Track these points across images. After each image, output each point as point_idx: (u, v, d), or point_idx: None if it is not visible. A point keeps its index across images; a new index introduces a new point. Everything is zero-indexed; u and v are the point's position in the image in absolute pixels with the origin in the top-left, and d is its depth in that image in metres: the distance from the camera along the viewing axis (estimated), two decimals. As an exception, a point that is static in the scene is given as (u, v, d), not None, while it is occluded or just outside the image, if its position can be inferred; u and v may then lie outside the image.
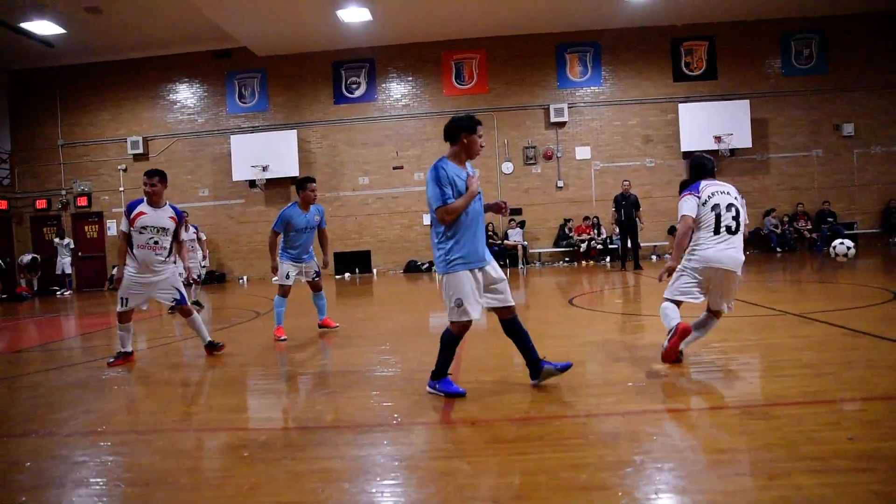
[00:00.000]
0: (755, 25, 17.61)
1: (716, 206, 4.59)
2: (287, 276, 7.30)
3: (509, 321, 4.25)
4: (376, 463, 3.05)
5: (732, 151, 17.38)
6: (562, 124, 17.78)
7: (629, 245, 14.09)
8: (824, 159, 17.84)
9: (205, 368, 5.76)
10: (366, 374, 5.05)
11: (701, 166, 4.91)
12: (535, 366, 4.21)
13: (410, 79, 18.05)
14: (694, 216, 4.63)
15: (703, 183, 4.77)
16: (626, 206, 13.80)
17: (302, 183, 7.23)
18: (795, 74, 17.81)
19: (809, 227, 17.42)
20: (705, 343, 5.35)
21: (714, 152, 17.27)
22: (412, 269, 17.63)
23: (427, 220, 17.83)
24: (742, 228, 4.63)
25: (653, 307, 8.59)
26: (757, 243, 17.55)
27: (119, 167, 18.49)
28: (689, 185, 4.90)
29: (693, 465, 2.76)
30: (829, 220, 17.29)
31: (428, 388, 4.24)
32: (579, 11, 16.22)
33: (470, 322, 4.06)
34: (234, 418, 4.06)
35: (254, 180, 17.67)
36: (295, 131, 17.71)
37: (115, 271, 8.55)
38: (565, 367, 4.26)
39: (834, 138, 17.76)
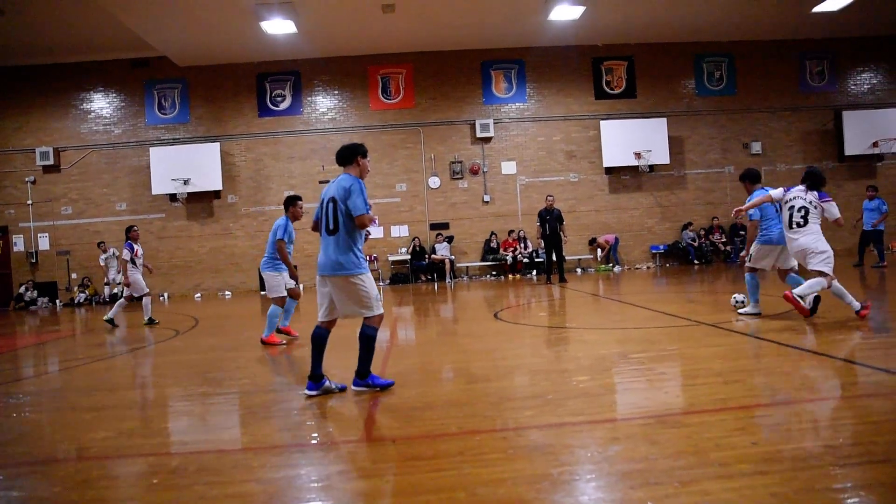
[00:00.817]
0: (670, 47, 18.41)
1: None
2: (284, 287, 7.61)
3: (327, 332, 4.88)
4: (292, 485, 2.96)
5: (651, 167, 18.04)
6: (488, 139, 18.03)
7: (554, 258, 14.35)
8: (736, 175, 18.60)
9: (114, 390, 5.48)
10: (286, 394, 4.92)
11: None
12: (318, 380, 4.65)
13: (336, 92, 17.92)
14: None
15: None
16: (551, 221, 14.06)
17: (292, 200, 7.66)
18: (708, 95, 18.70)
19: (724, 239, 18.25)
20: (624, 354, 5.49)
21: (634, 168, 17.94)
22: (340, 284, 17.41)
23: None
24: None
25: (577, 320, 8.80)
26: (676, 256, 18.26)
27: (27, 179, 17.50)
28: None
29: (609, 476, 2.80)
30: (742, 233, 18.13)
31: (353, 386, 4.65)
32: (504, 29, 16.53)
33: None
34: (144, 443, 3.86)
35: (174, 194, 17.07)
36: (218, 144, 17.26)
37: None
38: (343, 388, 4.73)
39: (743, 156, 18.72)
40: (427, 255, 17.56)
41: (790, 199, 6.67)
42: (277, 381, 5.38)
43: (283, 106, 17.76)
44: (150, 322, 10.33)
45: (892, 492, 2.48)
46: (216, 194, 17.53)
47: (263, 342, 7.37)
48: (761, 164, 18.78)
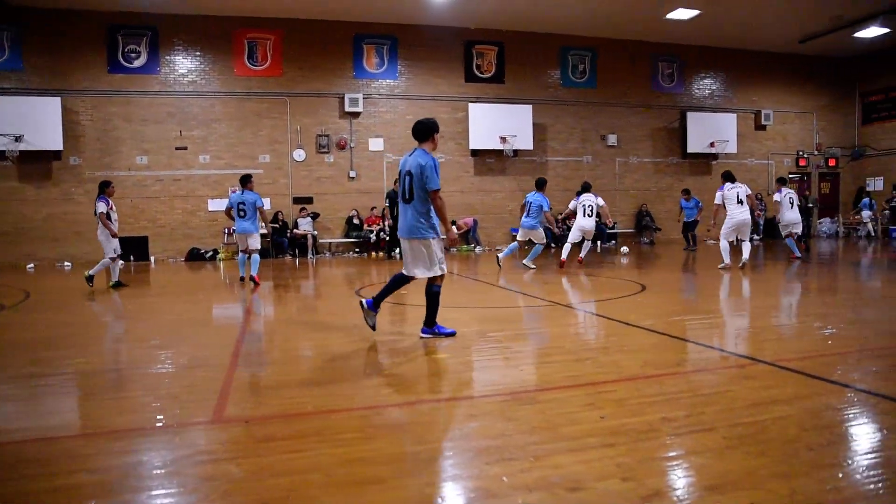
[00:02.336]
0: (539, 38, 19.00)
1: None
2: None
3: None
4: (132, 473, 2.73)
5: (515, 152, 18.61)
6: (356, 114, 17.74)
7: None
8: (593, 165, 19.82)
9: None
10: (131, 373, 4.57)
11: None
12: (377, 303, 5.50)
13: (199, 54, 16.79)
14: None
15: None
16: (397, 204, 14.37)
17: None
18: (571, 86, 19.54)
19: (579, 225, 19.23)
20: (483, 333, 5.63)
21: (499, 152, 18.42)
22: (194, 257, 16.49)
23: (213, 206, 16.82)
24: None
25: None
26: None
27: None
28: None
29: (466, 453, 2.85)
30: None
31: (422, 334, 5.39)
32: (379, 3, 16.26)
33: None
34: (-44, 430, 3.43)
35: (3, 151, 15.28)
36: (59, 98, 15.57)
37: None
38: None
39: (601, 147, 19.82)
40: (289, 230, 17.06)
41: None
42: (120, 360, 4.99)
43: (138, 63, 16.37)
44: (118, 285, 10.36)
45: (716, 455, 2.73)
46: (56, 155, 15.87)
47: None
48: (616, 156, 20.01)
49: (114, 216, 10.37)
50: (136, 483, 2.63)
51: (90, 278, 10.25)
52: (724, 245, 11.04)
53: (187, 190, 16.75)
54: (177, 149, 16.59)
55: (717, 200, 11.32)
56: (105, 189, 10.40)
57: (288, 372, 4.50)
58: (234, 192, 12.83)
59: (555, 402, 3.56)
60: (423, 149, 5.36)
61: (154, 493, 2.53)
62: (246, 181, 10.62)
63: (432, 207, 5.27)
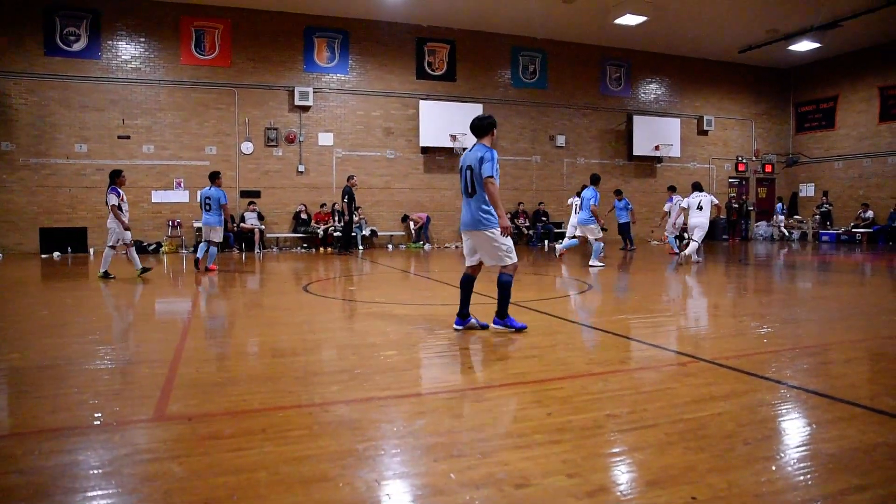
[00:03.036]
0: (491, 37, 19.13)
1: None
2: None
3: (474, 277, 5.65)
4: (67, 473, 2.63)
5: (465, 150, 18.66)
6: (306, 108, 17.52)
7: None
8: (541, 165, 20.09)
9: None
10: (67, 369, 4.40)
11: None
12: (465, 317, 5.59)
13: (143, 40, 16.28)
14: None
15: None
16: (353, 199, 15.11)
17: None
18: (522, 87, 19.75)
19: (528, 224, 19.47)
20: (431, 330, 5.65)
21: (449, 149, 18.48)
22: (137, 250, 15.82)
23: (156, 197, 16.36)
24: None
25: (386, 295, 8.89)
26: (483, 237, 19.15)
27: None
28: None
29: (413, 450, 2.85)
30: (544, 218, 19.50)
31: (494, 325, 5.50)
32: (330, -4, 16.10)
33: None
34: None
35: (-71, 135, 14.53)
36: (-10, 81, 14.92)
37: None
38: (485, 326, 5.57)
39: (549, 147, 20.10)
40: (236, 224, 16.73)
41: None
42: (57, 355, 4.80)
43: (77, 47, 15.76)
44: (106, 276, 10.17)
45: (658, 451, 2.80)
46: (-14, 140, 15.19)
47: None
48: (564, 157, 20.32)
49: (125, 206, 10.20)
50: (71, 484, 2.53)
51: (106, 274, 10.13)
52: (671, 239, 12.03)
53: (130, 181, 16.11)
54: (119, 137, 16.07)
55: (683, 205, 12.48)
56: (115, 179, 10.16)
57: (234, 368, 4.42)
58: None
59: (502, 399, 3.60)
60: (482, 143, 5.46)
61: (90, 494, 2.44)
62: (214, 178, 11.58)
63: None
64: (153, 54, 16.34)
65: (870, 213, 20.26)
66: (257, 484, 2.49)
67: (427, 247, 18.11)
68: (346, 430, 3.11)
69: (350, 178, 15.77)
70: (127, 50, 16.15)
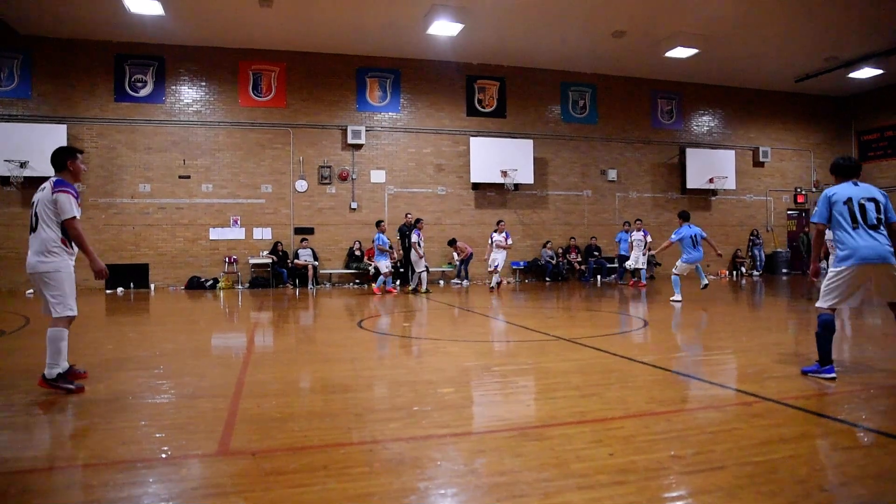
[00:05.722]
0: (540, 73, 19.28)
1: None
2: None
3: None
4: (138, 505, 2.71)
5: (516, 186, 18.74)
6: (358, 146, 17.90)
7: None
8: (593, 199, 19.95)
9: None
10: (133, 402, 4.53)
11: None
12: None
13: (204, 84, 17.01)
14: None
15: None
16: (408, 237, 15.16)
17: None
18: (572, 121, 19.76)
19: (579, 259, 19.29)
20: (487, 367, 5.61)
21: (500, 185, 18.55)
22: (194, 285, 16.47)
23: (214, 234, 16.88)
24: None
25: (440, 331, 8.89)
26: (535, 272, 19.05)
27: None
28: None
29: (475, 490, 2.82)
30: (596, 253, 19.28)
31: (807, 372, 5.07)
32: (383, 38, 16.53)
33: None
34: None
35: (8, 177, 15.37)
36: (64, 126, 15.73)
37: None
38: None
39: (600, 181, 19.97)
40: (290, 260, 17.08)
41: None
42: (123, 388, 4.95)
43: (144, 92, 16.58)
44: None
45: (727, 494, 2.70)
46: (58, 181, 15.98)
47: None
48: (616, 191, 20.15)
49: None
50: (142, 516, 2.60)
51: None
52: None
53: (189, 218, 16.80)
54: (180, 177, 16.70)
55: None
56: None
57: (293, 404, 4.47)
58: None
59: (562, 437, 3.54)
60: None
61: (161, 526, 2.50)
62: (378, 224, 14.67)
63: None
64: (213, 97, 17.04)
65: None
66: (321, 521, 2.50)
67: (464, 283, 17.53)
68: (406, 468, 3.10)
69: (407, 214, 16.25)
70: (189, 94, 16.88)
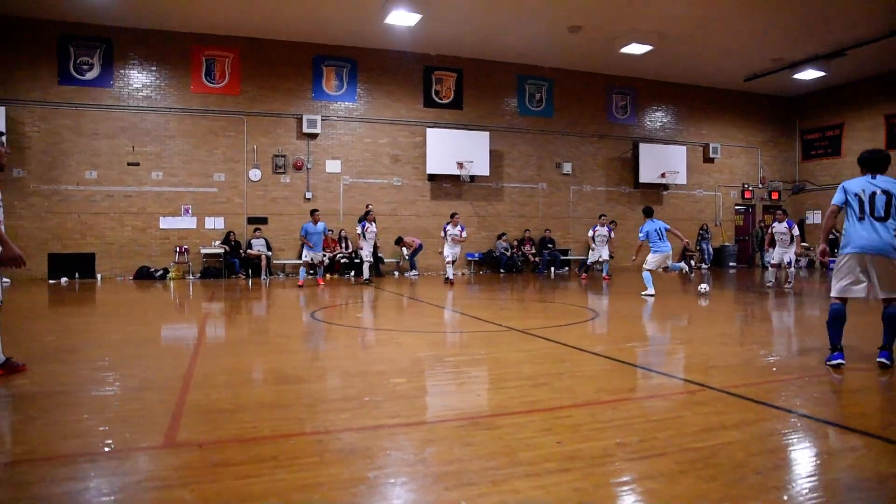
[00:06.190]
0: (497, 66, 19.35)
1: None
2: None
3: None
4: (77, 500, 2.64)
5: (472, 178, 18.81)
6: (314, 136, 17.70)
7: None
8: (548, 192, 20.17)
9: None
10: (76, 395, 4.41)
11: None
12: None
13: (154, 69, 16.54)
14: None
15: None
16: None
17: None
18: (528, 115, 19.91)
19: (534, 251, 19.49)
20: (439, 357, 5.64)
21: (455, 177, 18.59)
22: (143, 275, 16.06)
23: (164, 223, 16.49)
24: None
25: (393, 322, 8.89)
26: (490, 264, 19.17)
27: None
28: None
29: (424, 479, 2.85)
30: (550, 245, 19.52)
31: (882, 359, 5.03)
32: (340, 26, 16.35)
33: None
34: None
35: (-57, 162, 14.67)
36: (2, 109, 15.08)
37: None
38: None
39: (555, 175, 20.20)
40: (243, 250, 16.82)
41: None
42: (65, 381, 4.82)
43: (90, 75, 16.02)
44: None
45: (669, 480, 2.79)
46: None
47: None
48: (570, 184, 20.42)
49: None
50: (83, 509, 2.55)
51: None
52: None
53: (138, 207, 16.37)
54: (129, 164, 16.24)
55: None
56: None
57: (243, 395, 4.42)
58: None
59: (512, 427, 3.59)
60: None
61: (102, 519, 2.45)
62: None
63: None
64: (164, 83, 16.59)
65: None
66: (268, 511, 2.49)
67: (410, 274, 17.64)
68: (356, 457, 3.11)
69: (368, 206, 16.34)
70: (138, 78, 16.39)
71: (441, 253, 15.16)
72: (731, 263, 22.01)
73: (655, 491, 2.71)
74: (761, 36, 17.03)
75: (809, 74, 19.91)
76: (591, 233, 16.07)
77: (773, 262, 13.31)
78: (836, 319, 5.16)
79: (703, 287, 12.01)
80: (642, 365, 5.55)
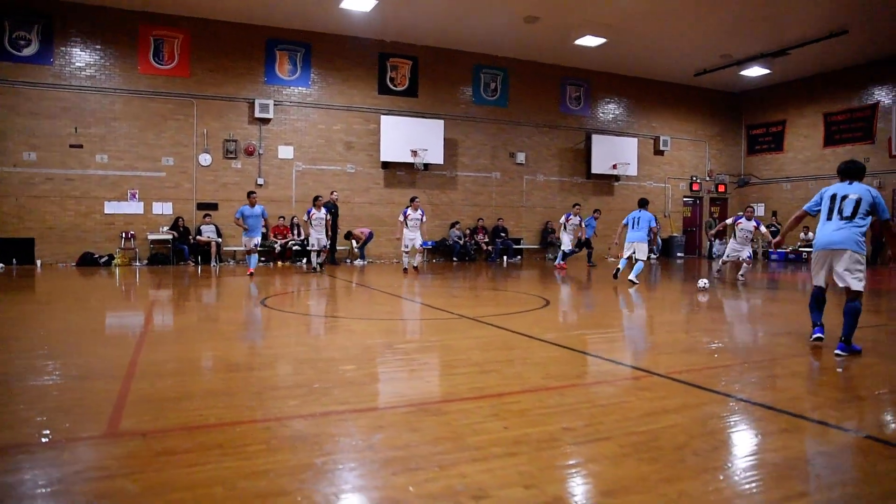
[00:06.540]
0: (453, 54, 19.32)
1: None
2: None
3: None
4: (12, 493, 2.55)
5: (426, 166, 18.78)
6: (266, 121, 17.39)
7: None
8: (501, 181, 20.30)
9: None
10: (11, 385, 4.26)
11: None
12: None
13: (99, 47, 15.93)
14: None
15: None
16: (335, 214, 15.08)
17: None
18: (483, 104, 19.96)
19: (486, 240, 19.61)
20: (390, 345, 5.65)
21: (409, 165, 18.54)
22: (87, 262, 15.56)
23: (109, 208, 15.99)
24: None
25: (344, 309, 8.85)
26: (443, 252, 19.22)
27: None
28: None
29: (371, 464, 2.86)
30: (503, 234, 19.67)
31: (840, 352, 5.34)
32: (294, 9, 16.05)
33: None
34: None
35: None
36: (-65, 86, 14.39)
37: None
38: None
39: (509, 164, 20.34)
40: (192, 237, 16.45)
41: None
42: (5, 369, 4.65)
43: (28, 52, 15.32)
44: None
45: (612, 463, 2.87)
46: (-71, 146, 14.64)
47: None
48: (524, 174, 20.59)
49: None
50: (17, 503, 2.47)
51: None
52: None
53: (81, 191, 15.82)
54: (71, 146, 15.65)
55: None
56: None
57: (190, 383, 4.35)
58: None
59: (460, 412, 3.63)
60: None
61: (40, 510, 2.39)
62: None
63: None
64: (109, 62, 16.01)
65: (811, 235, 20.99)
66: (213, 499, 2.47)
67: (358, 262, 17.54)
68: (304, 444, 3.10)
69: (332, 192, 16.19)
70: (81, 57, 15.78)
71: (398, 238, 14.35)
72: (678, 254, 22.57)
73: (599, 473, 2.78)
74: (710, 32, 17.43)
75: (755, 72, 20.53)
76: (562, 220, 16.07)
77: (723, 256, 13.57)
78: (814, 301, 5.72)
79: (703, 283, 11.28)
80: (591, 352, 5.66)
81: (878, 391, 4.45)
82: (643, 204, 12.52)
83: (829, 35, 17.05)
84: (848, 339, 5.35)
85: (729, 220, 13.79)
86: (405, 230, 13.98)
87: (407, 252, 14.30)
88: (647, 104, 22.68)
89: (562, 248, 16.14)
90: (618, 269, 12.84)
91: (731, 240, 13.37)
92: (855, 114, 20.62)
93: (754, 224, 13.13)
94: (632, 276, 11.66)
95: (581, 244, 17.10)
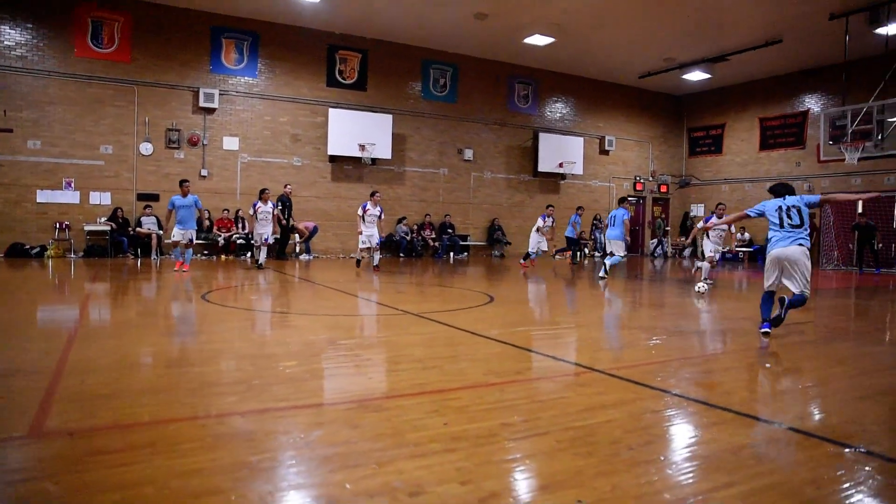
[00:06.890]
0: (403, 48, 19.26)
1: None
2: None
3: None
4: (-72, 491, 2.44)
5: (374, 160, 18.69)
6: (211, 111, 16.99)
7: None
8: (449, 177, 20.36)
9: None
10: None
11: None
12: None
13: (31, 27, 15.25)
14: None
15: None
16: (288, 208, 15.36)
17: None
18: (432, 99, 19.97)
19: (433, 236, 19.65)
20: (333, 341, 5.60)
21: (357, 159, 18.41)
22: (17, 253, 14.90)
23: (42, 197, 15.34)
24: None
25: (288, 305, 8.73)
26: (389, 248, 19.16)
27: None
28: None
29: (309, 461, 2.83)
30: (450, 231, 19.74)
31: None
32: (239, -3, 15.73)
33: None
34: None
35: None
36: None
37: None
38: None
39: (457, 160, 20.42)
40: (131, 228, 15.95)
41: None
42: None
43: (-46, 32, 14.59)
44: None
45: (548, 457, 2.92)
46: None
47: None
48: (471, 170, 20.70)
49: None
50: (-67, 503, 2.35)
51: None
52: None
53: (11, 178, 15.14)
54: (1, 131, 14.94)
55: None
56: None
57: (123, 379, 4.21)
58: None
59: (401, 409, 3.63)
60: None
61: (-45, 513, 2.28)
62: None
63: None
64: (42, 43, 15.35)
65: (747, 235, 21.78)
66: (143, 500, 2.40)
67: (304, 257, 17.39)
68: (240, 442, 3.05)
69: (286, 186, 16.14)
70: (11, 36, 15.07)
71: (359, 233, 13.55)
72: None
73: (535, 468, 2.83)
74: (654, 36, 17.86)
75: (696, 76, 21.15)
76: (540, 222, 15.74)
77: (712, 254, 13.59)
78: (766, 301, 6.38)
79: (701, 286, 10.86)
80: (532, 348, 5.74)
81: (802, 385, 4.65)
82: (621, 201, 13.19)
83: (765, 43, 17.71)
84: (778, 322, 6.12)
85: (700, 224, 13.71)
86: (362, 226, 13.41)
87: (363, 249, 13.74)
88: (593, 104, 23.09)
89: (529, 248, 15.86)
90: (604, 267, 12.93)
91: (707, 240, 13.28)
92: (788, 120, 21.48)
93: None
94: (601, 272, 12.50)
95: (572, 243, 18.10)
